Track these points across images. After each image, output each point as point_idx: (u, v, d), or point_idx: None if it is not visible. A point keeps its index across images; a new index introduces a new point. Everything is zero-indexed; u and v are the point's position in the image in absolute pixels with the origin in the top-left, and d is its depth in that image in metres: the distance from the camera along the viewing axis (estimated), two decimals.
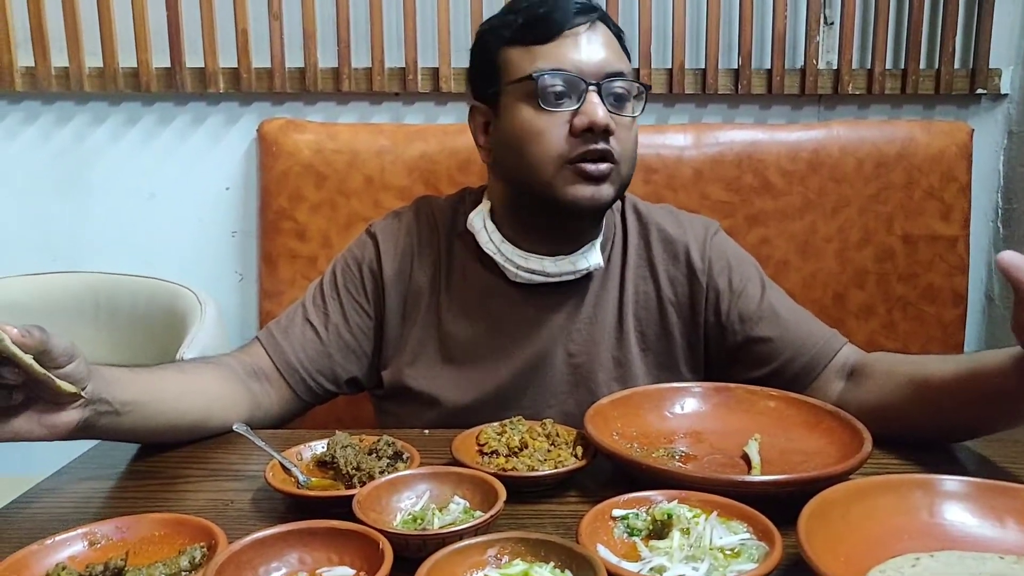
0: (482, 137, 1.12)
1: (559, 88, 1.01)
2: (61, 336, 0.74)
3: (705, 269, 1.13)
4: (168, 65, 1.78)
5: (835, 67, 1.81)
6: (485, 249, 1.11)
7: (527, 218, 1.10)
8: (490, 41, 1.08)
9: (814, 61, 1.80)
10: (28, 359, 0.71)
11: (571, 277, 1.10)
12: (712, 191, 1.72)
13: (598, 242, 1.11)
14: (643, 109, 1.07)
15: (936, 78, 1.81)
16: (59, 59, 1.78)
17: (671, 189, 1.71)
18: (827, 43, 1.82)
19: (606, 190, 1.03)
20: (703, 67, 1.80)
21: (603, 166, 1.02)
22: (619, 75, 1.03)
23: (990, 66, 1.82)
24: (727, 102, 1.86)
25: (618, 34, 1.09)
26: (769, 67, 1.80)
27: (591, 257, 1.09)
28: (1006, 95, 1.85)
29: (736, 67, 1.80)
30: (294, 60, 1.79)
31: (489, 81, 1.08)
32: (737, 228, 1.70)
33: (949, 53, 1.80)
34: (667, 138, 1.73)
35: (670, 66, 1.80)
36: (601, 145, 1.01)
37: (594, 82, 1.01)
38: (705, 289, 1.13)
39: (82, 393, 0.78)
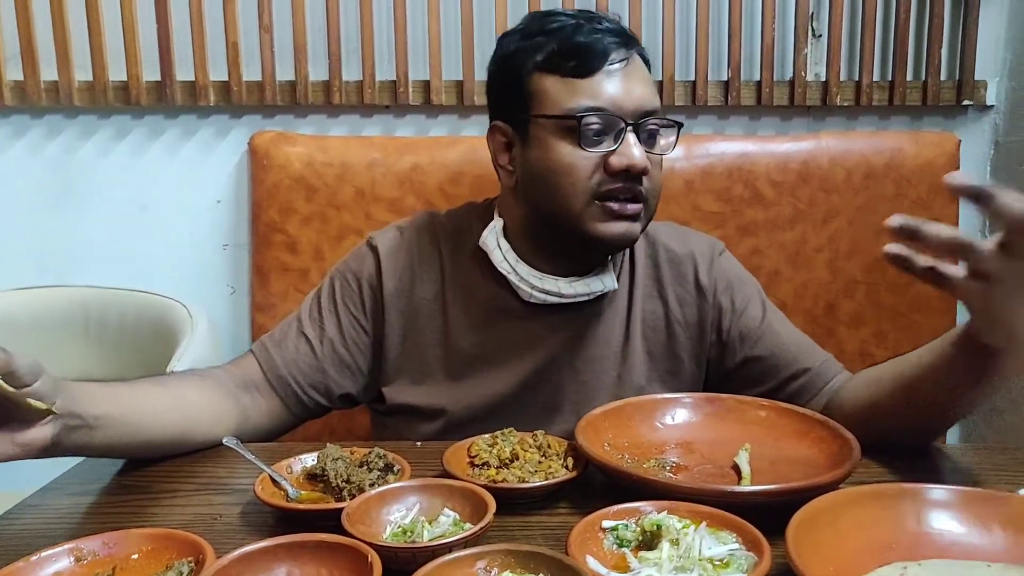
0: (504, 157, 1.10)
1: (597, 127, 1.01)
2: (24, 355, 0.73)
3: (711, 288, 1.14)
4: (158, 78, 1.78)
5: (823, 79, 1.83)
6: (499, 268, 1.09)
7: (548, 243, 1.09)
8: (519, 64, 1.04)
9: (803, 73, 1.81)
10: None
11: (585, 299, 1.10)
12: (703, 202, 1.72)
13: (611, 265, 1.11)
14: (674, 146, 1.07)
15: (923, 90, 1.83)
16: (48, 73, 1.78)
17: (662, 200, 1.68)
18: (815, 55, 1.84)
19: (636, 228, 1.04)
20: (693, 79, 1.81)
21: (634, 207, 1.02)
22: (654, 113, 1.03)
23: (976, 78, 1.83)
24: (717, 113, 1.87)
25: (648, 63, 1.08)
26: (758, 79, 1.82)
27: (606, 280, 1.10)
28: (992, 106, 1.87)
29: (726, 79, 1.82)
30: (285, 73, 1.79)
31: (517, 106, 1.05)
32: (728, 239, 1.70)
33: (935, 65, 1.82)
34: None
35: (660, 78, 1.80)
36: (636, 186, 1.01)
37: (632, 122, 1.00)
38: (711, 307, 1.14)
39: (53, 409, 0.76)
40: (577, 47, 1.01)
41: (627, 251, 1.16)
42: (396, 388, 1.13)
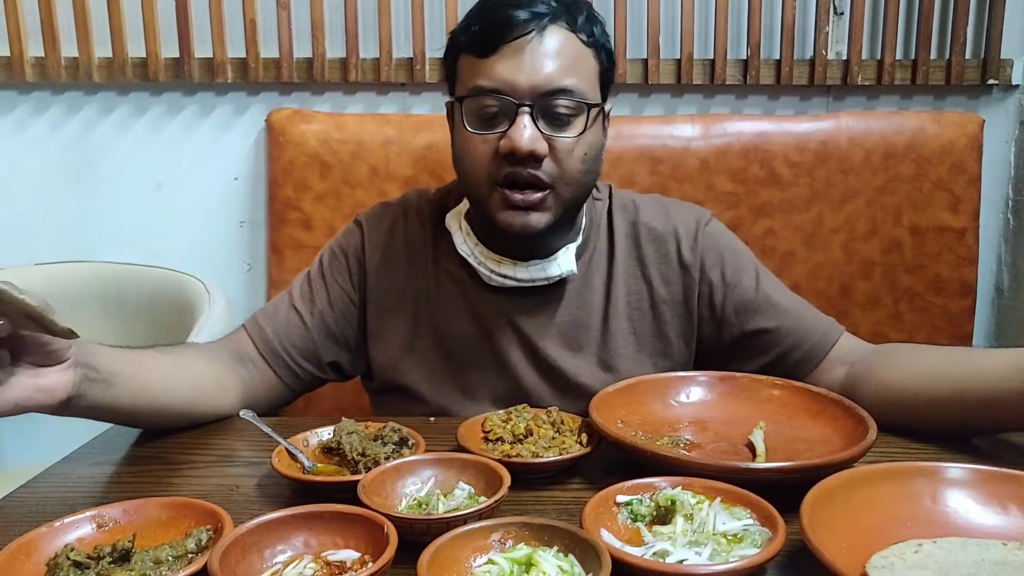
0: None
1: (493, 108, 0.97)
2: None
3: (697, 263, 1.11)
4: (177, 55, 1.78)
5: (844, 57, 1.80)
6: (460, 251, 1.09)
7: (484, 222, 1.07)
8: (452, 44, 1.03)
9: (823, 51, 1.79)
10: (21, 296, 0.68)
11: (543, 283, 1.08)
12: (718, 182, 1.71)
13: (573, 247, 1.08)
14: (585, 128, 0.98)
15: (947, 68, 1.80)
16: (68, 49, 1.79)
17: (677, 180, 1.70)
18: (836, 33, 1.81)
19: (537, 218, 0.99)
20: (711, 57, 1.80)
21: (533, 196, 0.97)
22: (561, 92, 0.96)
23: (1002, 56, 1.80)
24: (735, 92, 1.85)
25: (591, 30, 1.00)
26: (778, 57, 1.80)
27: (563, 263, 1.07)
28: (1017, 85, 1.84)
29: (744, 57, 1.80)
30: (302, 50, 1.79)
31: (451, 87, 1.05)
32: (743, 219, 1.70)
33: (960, 43, 1.79)
34: (674, 128, 1.72)
35: (678, 56, 1.79)
36: (527, 171, 0.97)
37: (528, 103, 0.95)
38: (698, 283, 1.11)
39: (75, 332, 0.74)
40: (483, 24, 0.97)
41: (604, 233, 1.13)
42: (382, 363, 1.13)
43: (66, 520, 0.69)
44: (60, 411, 0.81)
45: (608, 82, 1.04)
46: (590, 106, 0.98)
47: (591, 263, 1.12)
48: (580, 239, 1.10)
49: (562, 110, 0.97)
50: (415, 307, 1.13)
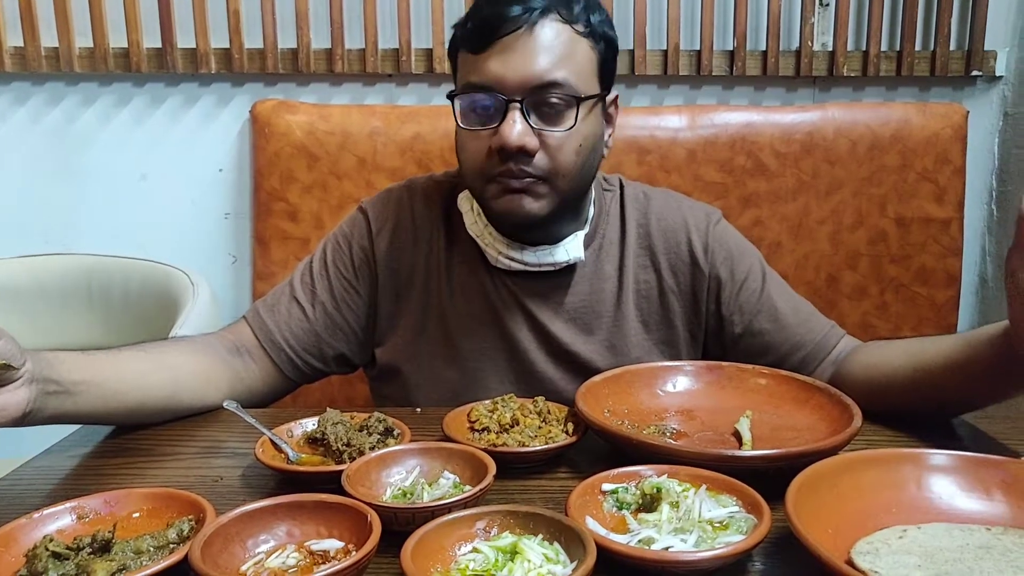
0: None
1: (484, 103, 0.97)
2: None
3: (707, 258, 1.12)
4: (159, 45, 1.76)
5: (830, 49, 1.81)
6: (470, 231, 1.09)
7: (489, 215, 1.07)
8: (454, 41, 1.04)
9: (809, 43, 1.79)
10: None
11: (550, 268, 1.08)
12: (706, 172, 1.71)
13: (581, 233, 1.09)
14: (575, 122, 0.97)
15: (931, 60, 1.81)
16: (48, 39, 1.77)
17: (664, 170, 1.70)
18: (822, 24, 1.82)
19: (532, 205, 0.99)
20: (698, 48, 1.80)
21: (526, 180, 0.98)
22: (552, 85, 0.96)
23: (985, 48, 1.81)
24: (721, 83, 1.85)
25: (588, 19, 0.99)
26: (764, 48, 1.80)
27: (571, 250, 1.07)
28: (1001, 77, 1.85)
29: (731, 48, 1.80)
30: (287, 41, 1.78)
31: (455, 83, 1.05)
32: (730, 209, 1.70)
33: (944, 35, 1.80)
34: (661, 119, 1.72)
35: (665, 47, 1.79)
36: (519, 168, 0.97)
37: (517, 98, 0.95)
38: (707, 278, 1.12)
39: (13, 364, 0.76)
40: (476, 21, 0.98)
41: (616, 221, 1.14)
42: (388, 348, 1.13)
43: (45, 512, 0.68)
44: (19, 424, 0.80)
45: (610, 71, 1.04)
46: (582, 99, 0.98)
47: (601, 251, 1.12)
48: (588, 228, 1.11)
49: (553, 103, 0.97)
50: (425, 288, 1.12)
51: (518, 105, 0.96)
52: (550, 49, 0.96)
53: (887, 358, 0.99)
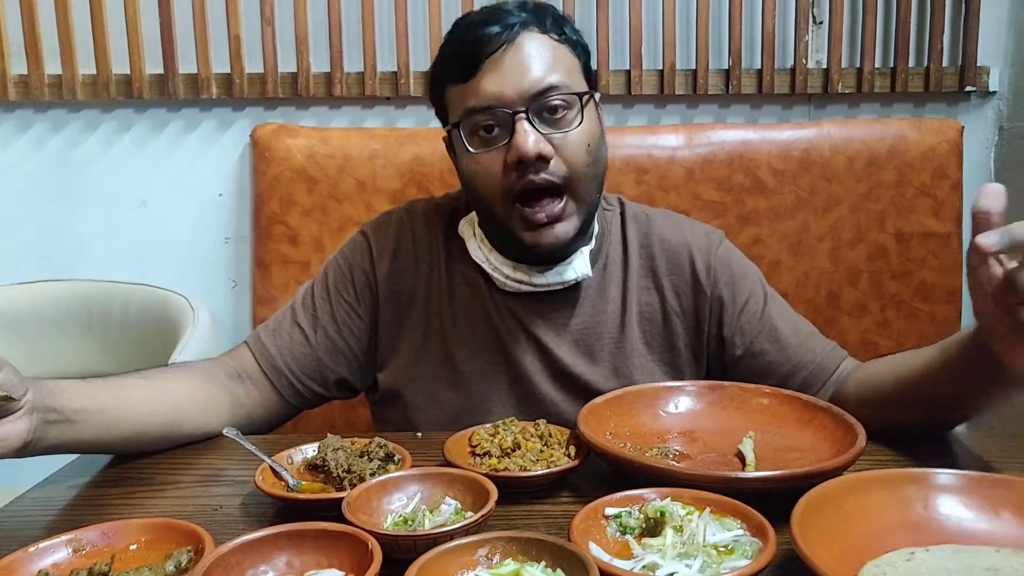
0: (455, 164, 1.10)
1: (489, 123, 0.98)
2: None
3: (709, 280, 1.12)
4: (161, 71, 1.77)
5: (825, 66, 1.82)
6: (474, 257, 1.09)
7: (501, 238, 1.08)
8: (436, 77, 1.05)
9: (804, 60, 1.80)
10: None
11: (558, 287, 1.08)
12: (704, 191, 1.71)
13: (587, 250, 1.09)
14: (581, 118, 1.00)
15: (925, 76, 1.82)
16: (52, 67, 1.78)
17: (663, 189, 1.70)
18: (816, 42, 1.83)
19: (563, 228, 1.01)
20: (694, 68, 1.80)
21: (554, 209, 0.99)
22: (550, 89, 0.98)
23: (979, 64, 1.82)
24: (718, 102, 1.86)
25: (561, 28, 1.02)
26: (759, 67, 1.81)
27: (578, 267, 1.07)
28: (995, 92, 1.86)
29: (726, 67, 1.81)
30: (287, 65, 1.79)
31: (444, 118, 1.08)
32: (729, 228, 1.70)
33: (938, 51, 1.81)
34: (659, 139, 1.73)
35: (661, 67, 1.80)
36: (541, 176, 0.97)
37: (521, 108, 0.97)
38: (709, 299, 1.12)
39: (13, 396, 0.76)
40: (458, 50, 1.00)
41: (618, 241, 1.14)
42: (390, 372, 1.13)
43: (41, 545, 0.67)
44: (20, 455, 0.80)
45: (590, 74, 1.07)
46: (581, 95, 1.00)
47: (606, 272, 1.12)
48: (594, 243, 1.11)
49: (556, 106, 0.99)
50: (426, 312, 1.12)
51: (524, 115, 0.97)
52: (538, 57, 0.99)
53: (875, 373, 1.00)
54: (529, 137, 0.96)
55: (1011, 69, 1.83)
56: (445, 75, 1.03)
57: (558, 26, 1.02)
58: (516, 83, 0.97)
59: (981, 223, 0.70)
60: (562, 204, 1.00)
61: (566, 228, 1.01)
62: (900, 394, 0.93)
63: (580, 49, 1.05)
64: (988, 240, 0.68)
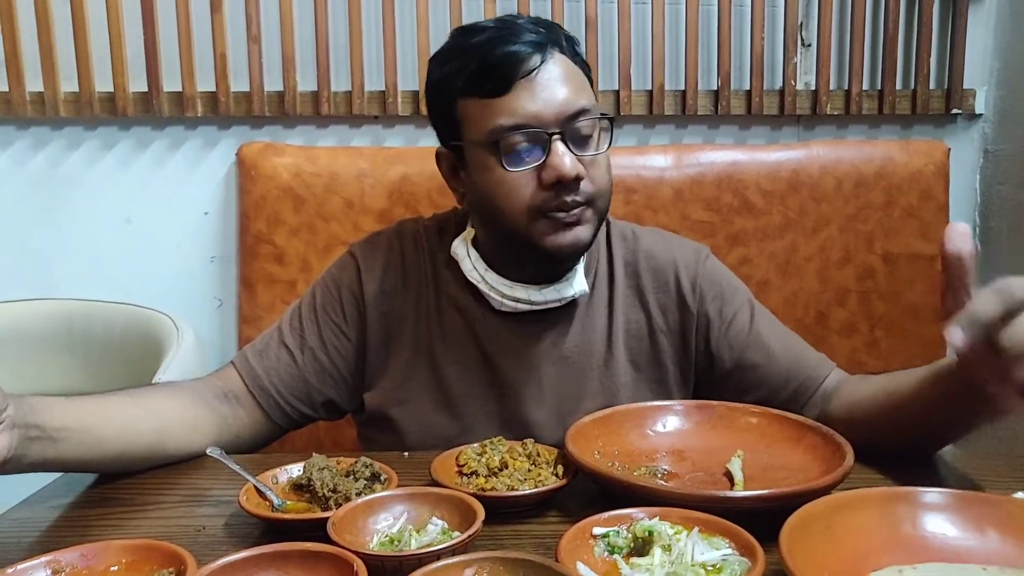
0: (453, 181, 1.09)
1: (522, 144, 0.98)
2: None
3: (695, 297, 1.12)
4: (145, 89, 1.77)
5: (813, 88, 1.83)
6: (469, 277, 1.08)
7: (510, 255, 1.07)
8: (447, 90, 1.03)
9: (792, 82, 1.82)
10: None
11: (556, 304, 1.08)
12: (692, 211, 1.72)
13: (581, 267, 1.09)
14: (611, 142, 1.03)
15: (912, 98, 1.84)
16: (34, 84, 1.77)
17: (651, 210, 1.71)
18: (805, 64, 1.84)
19: (582, 232, 1.01)
20: (683, 88, 1.82)
21: (576, 211, 1.00)
22: (582, 112, 0.99)
23: (964, 86, 1.84)
24: (707, 123, 1.87)
25: (574, 49, 1.04)
26: (748, 88, 1.82)
27: (576, 284, 1.07)
28: (981, 115, 1.88)
29: (715, 88, 1.82)
30: (273, 84, 1.79)
31: (451, 132, 1.05)
32: (718, 248, 1.70)
33: (924, 74, 1.83)
34: (647, 159, 1.73)
35: (650, 87, 1.81)
36: (572, 198, 0.98)
37: (557, 130, 0.98)
38: (696, 316, 1.11)
39: None
40: (490, 65, 0.98)
41: (604, 260, 1.14)
42: (377, 393, 1.12)
43: (19, 566, 0.66)
44: (0, 472, 0.78)
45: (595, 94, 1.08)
46: (607, 120, 1.03)
47: (593, 291, 1.12)
48: (586, 259, 1.11)
49: (586, 130, 1.00)
50: (415, 332, 1.11)
51: (559, 136, 0.98)
52: (567, 80, 1.00)
53: (866, 393, 1.00)
54: (567, 159, 0.97)
55: (997, 92, 1.86)
56: (463, 88, 1.01)
57: (571, 46, 1.04)
58: (552, 104, 0.98)
59: (954, 266, 0.71)
60: (582, 212, 1.01)
61: (585, 232, 1.02)
62: (891, 416, 0.93)
63: (587, 69, 1.07)
64: (957, 337, 0.72)
